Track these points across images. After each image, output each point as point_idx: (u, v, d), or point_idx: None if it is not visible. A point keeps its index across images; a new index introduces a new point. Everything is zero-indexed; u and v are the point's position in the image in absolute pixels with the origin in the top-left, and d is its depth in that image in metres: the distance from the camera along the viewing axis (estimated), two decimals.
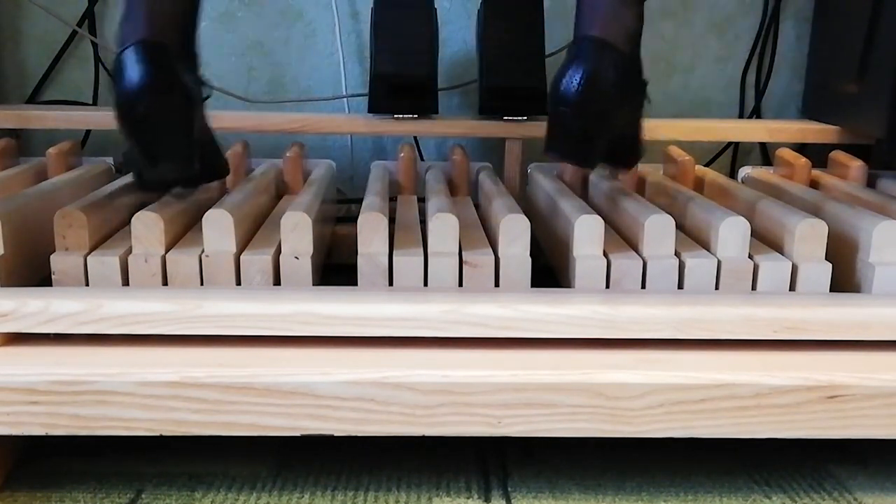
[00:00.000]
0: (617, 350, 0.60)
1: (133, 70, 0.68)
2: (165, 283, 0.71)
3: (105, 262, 0.70)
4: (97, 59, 1.20)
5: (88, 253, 0.70)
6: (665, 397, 0.56)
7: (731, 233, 0.72)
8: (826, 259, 0.72)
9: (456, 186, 1.02)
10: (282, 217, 0.71)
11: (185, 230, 0.78)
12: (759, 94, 1.27)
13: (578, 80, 0.70)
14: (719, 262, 0.71)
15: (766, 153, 1.29)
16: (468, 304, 0.61)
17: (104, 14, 1.19)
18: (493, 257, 0.72)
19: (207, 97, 0.76)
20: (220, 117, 1.06)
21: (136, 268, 0.70)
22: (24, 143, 1.16)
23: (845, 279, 0.74)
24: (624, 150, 0.80)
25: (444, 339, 0.60)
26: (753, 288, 0.72)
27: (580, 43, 0.73)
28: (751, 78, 1.27)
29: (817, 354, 0.61)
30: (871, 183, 1.02)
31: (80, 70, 1.21)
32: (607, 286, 0.72)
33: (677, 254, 0.73)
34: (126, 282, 0.70)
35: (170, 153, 0.71)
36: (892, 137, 0.97)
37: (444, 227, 0.71)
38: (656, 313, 0.61)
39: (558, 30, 1.21)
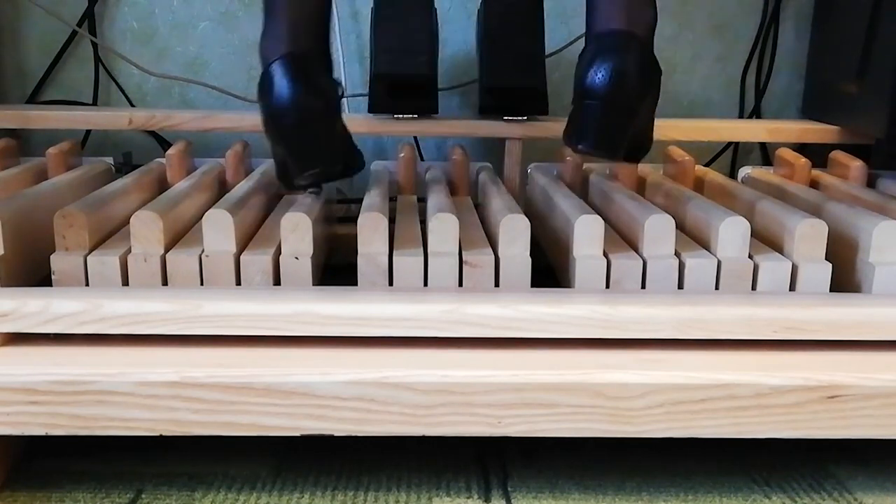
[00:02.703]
0: (617, 350, 0.60)
1: (281, 83, 0.72)
2: (165, 282, 0.71)
3: (105, 262, 0.70)
4: (97, 59, 1.20)
5: (88, 253, 0.70)
6: (665, 397, 0.56)
7: (731, 233, 0.72)
8: (826, 259, 0.72)
9: (456, 186, 1.02)
10: (282, 217, 0.71)
11: (185, 230, 0.78)
12: (759, 94, 1.27)
13: (606, 73, 0.71)
14: (719, 262, 0.71)
15: (766, 153, 1.29)
16: (468, 304, 0.61)
17: (104, 14, 1.19)
18: (493, 257, 0.72)
19: (342, 97, 0.79)
20: (220, 117, 1.06)
21: (136, 268, 0.70)
22: (24, 143, 1.16)
23: (845, 279, 0.74)
24: (637, 143, 0.80)
25: (444, 339, 0.60)
26: (753, 288, 0.72)
27: (605, 36, 0.73)
28: (751, 78, 1.27)
29: (817, 354, 0.61)
30: (871, 183, 1.02)
31: (80, 70, 1.21)
32: (607, 286, 0.72)
33: (677, 254, 0.73)
34: (126, 282, 0.70)
35: (318, 156, 0.75)
36: (892, 137, 0.97)
37: (444, 227, 0.71)
38: (656, 313, 0.61)
39: (558, 30, 1.21)
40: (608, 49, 0.72)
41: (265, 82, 0.74)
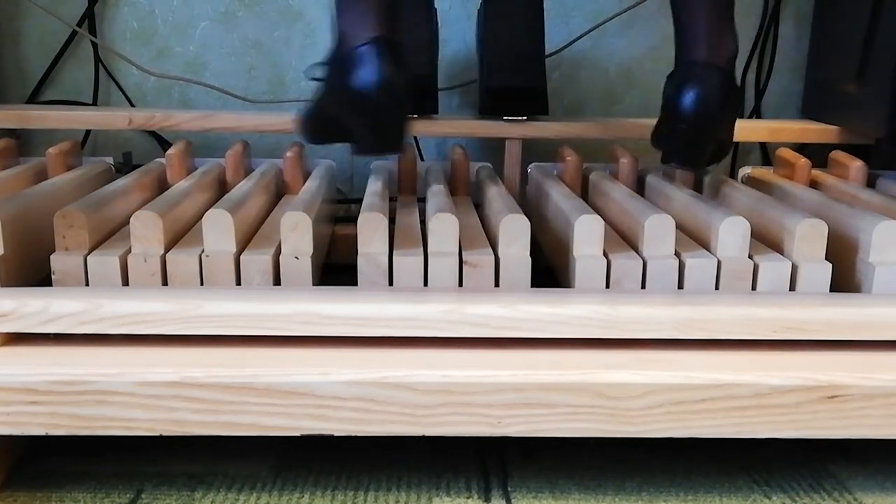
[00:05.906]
0: (617, 350, 0.60)
1: (372, 65, 0.76)
2: (165, 282, 0.71)
3: (105, 262, 0.70)
4: (97, 59, 1.20)
5: (88, 253, 0.70)
6: (665, 397, 0.56)
7: (731, 233, 0.72)
8: (826, 259, 0.72)
9: (456, 186, 1.02)
10: (282, 217, 0.71)
11: (185, 230, 0.78)
12: (759, 94, 1.27)
13: (692, 101, 0.82)
14: (719, 262, 0.71)
15: (766, 153, 1.29)
16: (468, 304, 0.61)
17: (104, 14, 1.19)
18: (493, 257, 0.72)
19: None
20: (220, 117, 1.06)
21: (136, 268, 0.70)
22: (24, 143, 1.16)
23: (845, 279, 0.74)
24: (719, 148, 0.89)
25: (444, 339, 0.60)
26: (753, 288, 0.72)
27: (692, 66, 0.84)
28: (751, 78, 1.27)
29: (817, 354, 0.61)
30: (871, 183, 1.02)
31: (80, 70, 1.21)
32: (607, 286, 0.72)
33: (677, 254, 0.73)
34: (126, 282, 0.70)
35: (391, 133, 0.80)
36: (892, 137, 0.97)
37: (444, 227, 0.71)
38: (656, 313, 0.61)
39: (558, 30, 1.21)
40: (695, 79, 0.83)
41: (352, 61, 0.77)
